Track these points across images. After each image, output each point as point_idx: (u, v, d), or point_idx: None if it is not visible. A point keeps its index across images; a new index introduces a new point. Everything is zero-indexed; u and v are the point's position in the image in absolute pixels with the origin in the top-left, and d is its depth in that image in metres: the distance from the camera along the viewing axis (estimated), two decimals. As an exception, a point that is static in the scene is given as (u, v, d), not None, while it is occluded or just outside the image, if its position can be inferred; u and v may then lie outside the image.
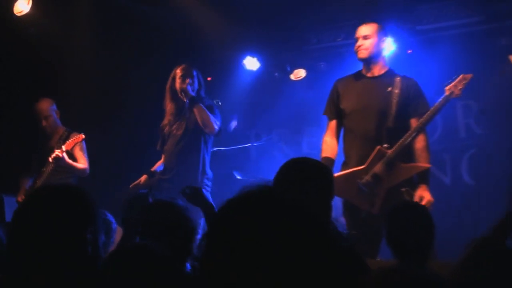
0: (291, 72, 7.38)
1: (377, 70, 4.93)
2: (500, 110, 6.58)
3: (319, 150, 6.15)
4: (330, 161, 4.86)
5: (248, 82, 7.56)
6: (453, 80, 4.73)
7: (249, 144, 7.30)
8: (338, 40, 7.04)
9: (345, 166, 4.84)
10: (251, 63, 7.34)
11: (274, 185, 2.88)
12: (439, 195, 6.33)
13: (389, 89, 4.82)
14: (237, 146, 6.96)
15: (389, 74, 4.92)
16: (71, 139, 5.63)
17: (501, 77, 6.46)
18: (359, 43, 4.88)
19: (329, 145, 4.97)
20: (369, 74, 4.94)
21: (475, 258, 2.44)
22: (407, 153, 4.79)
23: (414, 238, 3.21)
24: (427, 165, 4.73)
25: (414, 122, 4.78)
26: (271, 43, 7.35)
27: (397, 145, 4.68)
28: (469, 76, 4.73)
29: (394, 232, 3.29)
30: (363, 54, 4.86)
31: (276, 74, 7.56)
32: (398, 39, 6.58)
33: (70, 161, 5.63)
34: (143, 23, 6.80)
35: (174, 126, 5.70)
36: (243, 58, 7.36)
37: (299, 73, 7.33)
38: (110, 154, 6.57)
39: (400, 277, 2.17)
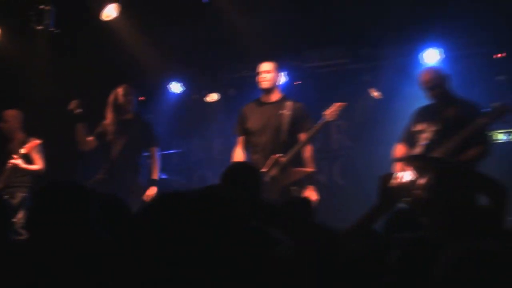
0: (206, 95, 7.80)
1: (274, 97, 5.41)
2: (363, 128, 7.31)
3: (227, 155, 6.81)
4: None
5: (173, 101, 7.95)
6: (330, 107, 5.26)
7: (173, 151, 7.66)
8: (244, 72, 7.48)
9: None
10: (176, 87, 7.77)
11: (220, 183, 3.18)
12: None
13: (281, 111, 5.29)
14: (162, 152, 6.79)
15: (283, 100, 5.40)
16: (29, 144, 6.02)
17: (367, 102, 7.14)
18: (262, 76, 5.38)
19: (238, 155, 5.45)
20: (267, 101, 5.43)
21: (348, 239, 2.63)
22: (298, 161, 5.25)
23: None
24: (311, 169, 5.23)
25: (302, 136, 5.27)
26: (192, 72, 7.77)
27: (288, 155, 5.17)
28: (343, 104, 5.28)
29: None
30: (265, 85, 5.37)
31: (194, 96, 7.94)
32: (289, 73, 7.12)
33: (24, 166, 6.02)
34: (90, 52, 7.09)
35: (116, 136, 5.88)
36: (169, 83, 7.78)
37: (213, 97, 7.76)
38: (59, 156, 6.79)
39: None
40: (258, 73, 5.46)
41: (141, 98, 7.52)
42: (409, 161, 2.68)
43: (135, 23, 6.65)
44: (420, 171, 2.51)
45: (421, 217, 2.49)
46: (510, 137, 6.27)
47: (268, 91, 5.44)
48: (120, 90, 5.92)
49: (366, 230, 2.61)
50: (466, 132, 4.64)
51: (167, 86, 7.81)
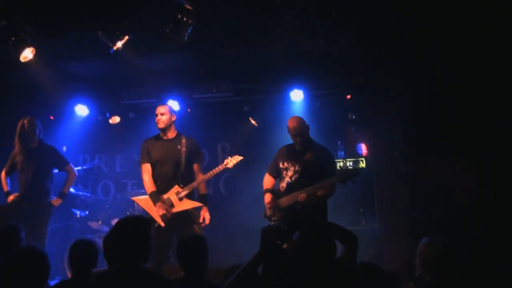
0: (110, 117, 8.14)
1: (170, 134, 5.96)
2: (244, 148, 7.55)
3: (126, 169, 7.47)
4: (154, 192, 5.81)
5: (79, 122, 8.35)
6: (232, 156, 5.94)
7: (79, 167, 8.04)
8: (143, 99, 8.03)
9: (155, 194, 5.81)
10: (82, 110, 8.19)
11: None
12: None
13: (179, 147, 5.86)
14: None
15: (178, 137, 5.95)
16: None
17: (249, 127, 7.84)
18: (158, 118, 5.91)
19: (148, 181, 5.88)
20: (165, 137, 5.96)
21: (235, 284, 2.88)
22: (192, 193, 5.81)
23: (192, 258, 3.67)
24: (201, 204, 5.84)
25: (196, 166, 5.90)
26: (97, 97, 8.21)
27: (186, 187, 5.75)
28: (241, 157, 5.94)
29: (180, 253, 3.73)
30: (161, 125, 5.92)
31: (99, 118, 8.29)
32: (181, 102, 7.83)
33: None
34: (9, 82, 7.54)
35: (25, 164, 6.27)
36: (76, 105, 8.17)
37: (115, 119, 8.15)
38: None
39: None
40: (156, 115, 6.01)
41: (51, 117, 8.22)
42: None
43: (50, 57, 7.05)
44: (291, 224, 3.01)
45: (295, 265, 2.93)
46: (357, 165, 7.34)
47: (164, 130, 6.00)
48: (25, 122, 6.30)
49: (251, 274, 2.93)
50: (323, 184, 5.54)
51: (74, 108, 8.23)
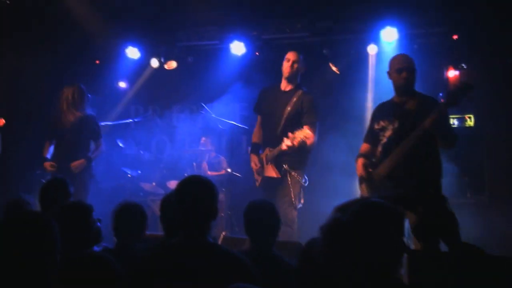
0: (165, 63, 7.61)
1: (288, 86, 5.51)
2: (321, 100, 6.94)
3: (184, 122, 7.13)
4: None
5: (130, 68, 7.74)
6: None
7: (130, 120, 7.46)
8: (203, 41, 7.42)
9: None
10: (133, 53, 7.58)
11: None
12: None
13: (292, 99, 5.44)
14: (121, 121, 7.14)
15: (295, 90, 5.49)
16: None
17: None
18: (288, 64, 5.48)
19: (257, 134, 5.62)
20: (284, 89, 5.53)
21: None
22: None
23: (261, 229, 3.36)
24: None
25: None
26: (150, 38, 7.57)
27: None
28: None
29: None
30: (287, 74, 5.49)
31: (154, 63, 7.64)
32: (248, 44, 7.09)
33: None
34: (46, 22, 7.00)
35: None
36: (126, 47, 7.56)
37: (171, 64, 7.58)
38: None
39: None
40: (287, 60, 5.52)
41: (96, 62, 7.72)
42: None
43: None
44: None
45: None
46: (463, 123, 6.35)
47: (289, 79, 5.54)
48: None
49: None
50: (425, 125, 4.15)
51: (124, 51, 7.59)
